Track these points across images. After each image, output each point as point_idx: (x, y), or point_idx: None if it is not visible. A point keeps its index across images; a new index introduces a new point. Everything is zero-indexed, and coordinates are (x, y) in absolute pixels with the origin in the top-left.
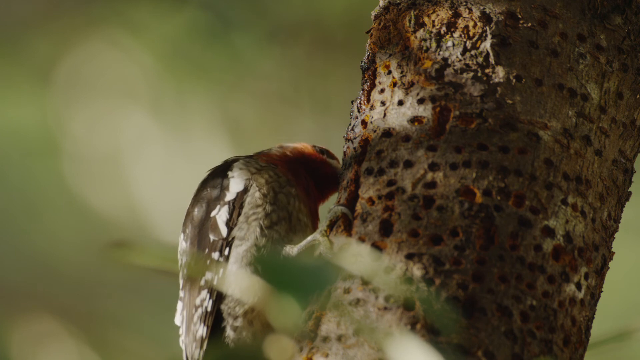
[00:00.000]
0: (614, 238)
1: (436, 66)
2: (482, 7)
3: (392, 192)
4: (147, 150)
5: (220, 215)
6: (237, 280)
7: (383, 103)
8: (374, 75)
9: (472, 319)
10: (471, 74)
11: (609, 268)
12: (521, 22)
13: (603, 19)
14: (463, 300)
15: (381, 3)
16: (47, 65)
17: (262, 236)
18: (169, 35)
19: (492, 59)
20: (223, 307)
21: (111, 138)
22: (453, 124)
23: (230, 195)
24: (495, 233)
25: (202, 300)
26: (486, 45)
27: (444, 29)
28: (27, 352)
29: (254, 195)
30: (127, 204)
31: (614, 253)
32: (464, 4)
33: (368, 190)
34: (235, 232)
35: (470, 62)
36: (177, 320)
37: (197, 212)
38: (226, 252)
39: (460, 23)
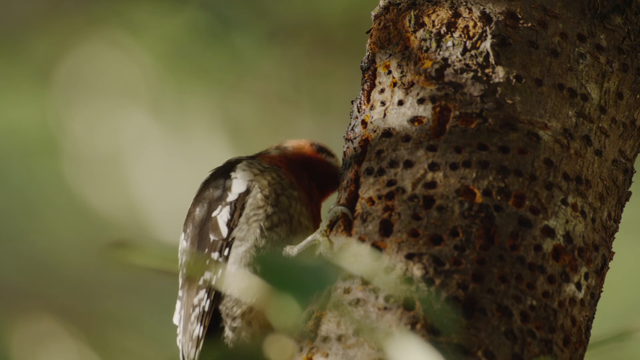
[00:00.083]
0: (614, 238)
1: (436, 66)
2: (482, 7)
3: (392, 192)
4: (147, 150)
5: (222, 215)
6: (236, 280)
7: (383, 103)
8: (374, 75)
9: (472, 319)
10: (471, 74)
11: (609, 268)
12: (521, 22)
13: (603, 19)
14: (463, 300)
15: (381, 3)
16: (47, 65)
17: (262, 237)
18: (169, 35)
19: (492, 59)
20: (221, 307)
21: (111, 138)
22: (453, 124)
23: (232, 196)
24: (495, 233)
25: (200, 300)
26: (486, 45)
27: (444, 29)
28: (27, 352)
29: (256, 196)
30: (127, 204)
31: (614, 253)
32: (464, 4)
33: (368, 190)
34: (236, 232)
35: (470, 62)
36: (176, 319)
37: (199, 212)
38: (226, 253)
39: (460, 23)
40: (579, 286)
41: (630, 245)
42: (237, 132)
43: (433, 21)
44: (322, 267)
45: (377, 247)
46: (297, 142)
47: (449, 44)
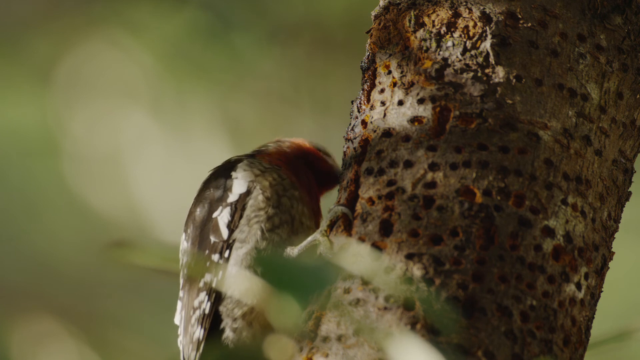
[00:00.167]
0: (614, 238)
1: (436, 66)
2: (482, 7)
3: (392, 192)
4: (147, 150)
5: (222, 216)
6: (237, 282)
7: (383, 103)
8: (374, 75)
9: (472, 319)
10: (471, 74)
11: (609, 268)
12: (521, 22)
13: (603, 19)
14: (463, 300)
15: (381, 3)
16: (47, 65)
17: (262, 239)
18: (169, 35)
19: (492, 59)
20: (222, 308)
21: (111, 138)
22: (453, 124)
23: (232, 197)
24: (495, 233)
25: (201, 302)
26: (486, 45)
27: (444, 29)
28: (27, 352)
29: (257, 198)
30: (127, 204)
31: (614, 253)
32: (464, 4)
33: (368, 190)
34: (236, 234)
35: (470, 62)
36: (177, 319)
37: (199, 212)
38: (226, 254)
39: (460, 23)
40: (579, 286)
41: (630, 245)
42: (237, 132)
43: (433, 21)
44: (322, 267)
45: (377, 247)
46: (296, 138)
47: (449, 44)
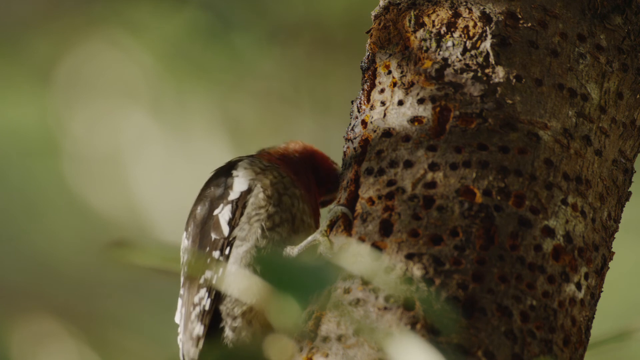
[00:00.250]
0: (614, 238)
1: (436, 66)
2: (482, 7)
3: (392, 192)
4: (147, 150)
5: (223, 214)
6: (236, 280)
7: (383, 103)
8: (374, 75)
9: (472, 319)
10: (471, 74)
11: (609, 268)
12: (521, 22)
13: (603, 19)
14: (463, 300)
15: (381, 3)
16: (47, 65)
17: (263, 238)
18: (169, 35)
19: (492, 59)
20: (222, 307)
21: (111, 138)
22: (453, 124)
23: (233, 195)
24: (495, 233)
25: (201, 299)
26: (486, 45)
27: (444, 29)
28: (27, 352)
29: (258, 196)
30: (127, 204)
31: (614, 253)
32: (464, 4)
33: (368, 190)
34: (237, 232)
35: (470, 62)
36: (177, 318)
37: (200, 210)
38: (227, 252)
39: (460, 23)
40: (579, 286)
41: (630, 245)
42: (237, 132)
43: (433, 21)
44: (322, 267)
45: (377, 247)
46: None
47: (449, 44)
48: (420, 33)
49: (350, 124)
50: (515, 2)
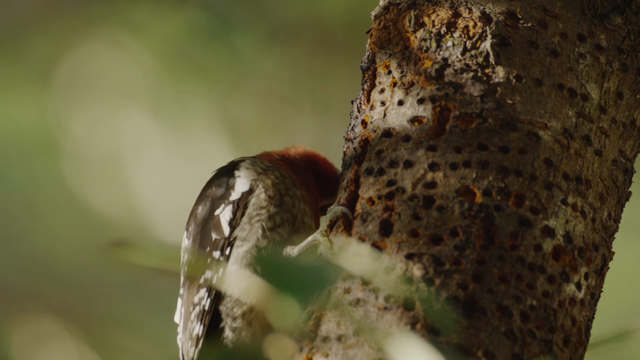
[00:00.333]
0: (614, 238)
1: (436, 66)
2: (482, 7)
3: (392, 192)
4: (147, 150)
5: (224, 214)
6: (237, 280)
7: (383, 103)
8: (374, 75)
9: (472, 319)
10: (471, 74)
11: (609, 268)
12: (521, 22)
13: (603, 19)
14: (463, 300)
15: (381, 3)
16: (47, 65)
17: (263, 238)
18: (169, 35)
19: (492, 59)
20: (222, 307)
21: (111, 138)
22: (453, 124)
23: (235, 195)
24: (495, 233)
25: (200, 299)
26: (486, 45)
27: (444, 29)
28: (27, 352)
29: (260, 196)
30: (127, 204)
31: (614, 253)
32: (464, 4)
33: (368, 190)
34: (237, 232)
35: (470, 62)
36: (177, 317)
37: (201, 210)
38: (227, 252)
39: (460, 23)
40: (579, 286)
41: (630, 245)
42: (237, 132)
43: (433, 21)
44: (322, 267)
45: (377, 247)
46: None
47: (449, 44)
48: (420, 33)
49: (350, 124)
50: (515, 2)
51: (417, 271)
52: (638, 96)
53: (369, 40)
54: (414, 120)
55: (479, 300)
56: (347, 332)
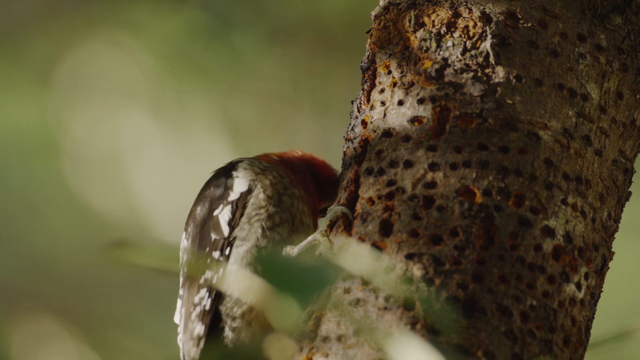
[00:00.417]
0: (614, 238)
1: (436, 66)
2: (482, 7)
3: (392, 192)
4: (147, 150)
5: (223, 214)
6: (237, 280)
7: (383, 103)
8: (374, 75)
9: (472, 319)
10: (471, 74)
11: (609, 268)
12: (521, 22)
13: (603, 19)
14: (463, 300)
15: (381, 3)
16: (47, 65)
17: (263, 237)
18: (169, 35)
19: (492, 59)
20: (222, 307)
21: (111, 138)
22: (453, 124)
23: (233, 195)
24: (495, 233)
25: (201, 299)
26: (486, 45)
27: (444, 29)
28: (27, 352)
29: (258, 196)
30: (127, 204)
31: (614, 253)
32: (464, 4)
33: (368, 190)
34: (237, 232)
35: (470, 62)
36: (176, 318)
37: (200, 211)
38: (227, 252)
39: (460, 23)
40: (579, 286)
41: (630, 245)
42: (237, 132)
43: (433, 21)
44: (322, 267)
45: (377, 247)
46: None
47: (449, 44)
48: (420, 33)
49: (350, 124)
50: (515, 2)
51: (417, 271)
52: (638, 96)
53: (369, 40)
54: (414, 120)
55: (479, 300)
56: (347, 332)
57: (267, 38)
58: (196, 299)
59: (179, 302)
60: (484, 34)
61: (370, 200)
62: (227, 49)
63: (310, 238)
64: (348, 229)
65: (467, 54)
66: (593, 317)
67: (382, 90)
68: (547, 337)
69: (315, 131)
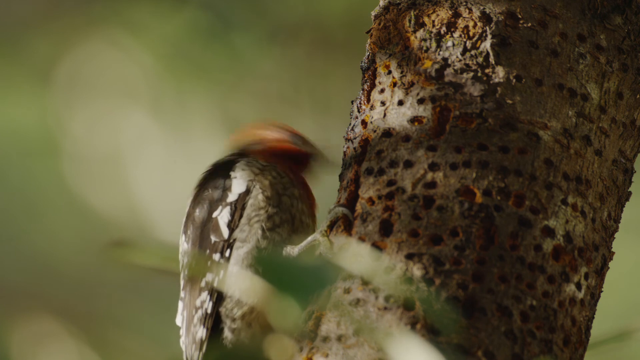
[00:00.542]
0: (614, 238)
1: (436, 66)
2: (482, 7)
3: (392, 192)
4: (147, 150)
5: (222, 216)
6: (238, 281)
7: (383, 103)
8: (374, 75)
9: (472, 319)
10: (471, 74)
11: (609, 268)
12: (521, 22)
13: (603, 19)
14: (463, 300)
15: (381, 3)
16: (47, 65)
17: (263, 238)
18: (169, 35)
19: (492, 59)
20: (221, 309)
21: (111, 138)
22: (453, 124)
23: (232, 197)
24: (495, 233)
25: (202, 302)
26: (486, 45)
27: (444, 29)
28: (27, 352)
29: (257, 197)
30: (127, 204)
31: (614, 253)
32: (464, 4)
33: (368, 190)
34: (237, 233)
35: (470, 62)
36: (178, 320)
37: (199, 213)
38: (227, 254)
39: (460, 23)
40: (579, 286)
41: (630, 245)
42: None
43: (433, 21)
44: (322, 267)
45: (377, 247)
46: (269, 135)
47: (449, 44)
48: (420, 33)
49: (350, 124)
50: (515, 2)
51: (417, 271)
52: (638, 96)
53: (369, 40)
54: (414, 120)
55: (479, 300)
56: (347, 332)
57: (267, 38)
58: (198, 302)
59: (180, 304)
60: (484, 34)
61: (370, 200)
62: (227, 49)
63: (310, 238)
64: (348, 229)
65: (467, 54)
66: (593, 317)
67: (382, 90)
68: (547, 337)
69: (315, 131)
